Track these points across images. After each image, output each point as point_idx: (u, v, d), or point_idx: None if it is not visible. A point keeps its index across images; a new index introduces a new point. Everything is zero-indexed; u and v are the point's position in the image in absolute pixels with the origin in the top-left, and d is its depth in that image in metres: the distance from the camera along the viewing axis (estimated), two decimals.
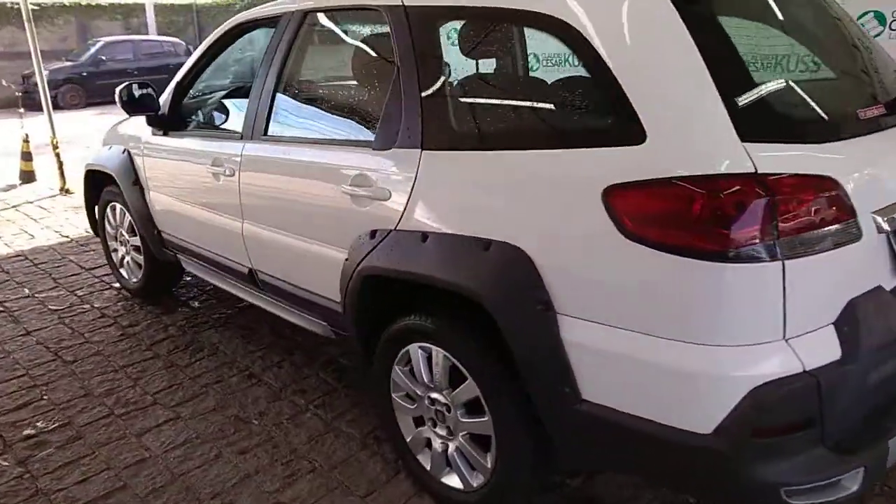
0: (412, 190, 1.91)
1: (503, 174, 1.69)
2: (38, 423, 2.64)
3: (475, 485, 1.99)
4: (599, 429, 1.61)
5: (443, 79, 1.93)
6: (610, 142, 1.50)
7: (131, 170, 3.41)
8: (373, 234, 2.03)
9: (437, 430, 2.06)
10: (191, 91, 3.14)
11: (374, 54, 2.24)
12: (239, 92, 3.19)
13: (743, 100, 1.45)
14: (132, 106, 3.01)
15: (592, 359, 1.57)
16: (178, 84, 3.08)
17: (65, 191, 6.53)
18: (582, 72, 1.60)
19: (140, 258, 3.66)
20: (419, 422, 2.14)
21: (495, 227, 1.69)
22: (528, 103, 1.81)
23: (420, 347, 2.00)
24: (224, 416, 2.66)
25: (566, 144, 1.58)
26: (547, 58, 2.93)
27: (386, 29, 2.08)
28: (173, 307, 3.73)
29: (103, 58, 15.23)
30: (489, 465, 1.90)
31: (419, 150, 1.89)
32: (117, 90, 2.99)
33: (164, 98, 3.13)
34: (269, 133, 2.50)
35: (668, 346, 1.45)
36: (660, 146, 1.43)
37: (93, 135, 10.74)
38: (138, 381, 2.95)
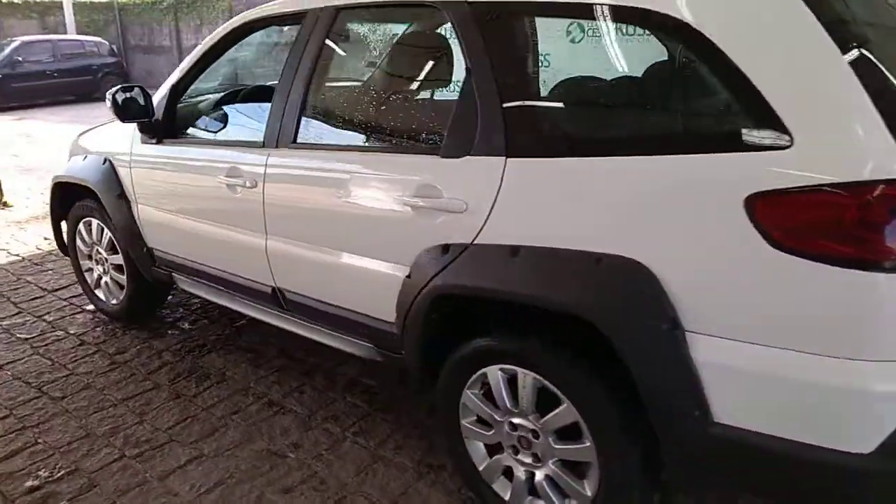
0: (496, 200, 1.75)
1: (617, 182, 1.57)
2: (40, 472, 2.33)
3: None
4: (732, 451, 1.51)
5: (529, 80, 1.79)
6: (748, 147, 1.40)
7: (115, 182, 3.09)
8: (445, 249, 1.87)
9: (521, 457, 1.92)
10: (188, 95, 2.87)
11: (431, 54, 2.07)
12: (251, 96, 2.94)
13: (891, 100, 1.38)
14: (126, 112, 2.72)
15: (727, 379, 1.47)
16: (174, 87, 2.81)
17: (2, 203, 5.98)
18: (703, 72, 1.49)
19: (122, 278, 3.34)
20: (494, 449, 1.99)
21: (608, 240, 1.57)
22: (642, 105, 1.69)
23: (501, 370, 1.86)
24: (253, 450, 2.43)
25: (694, 149, 1.47)
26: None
27: (440, 25, 1.92)
28: (161, 330, 3.42)
29: (19, 58, 14.20)
30: (588, 493, 1.78)
31: (503, 157, 1.74)
32: (109, 94, 2.69)
33: (156, 103, 2.85)
34: (300, 140, 2.29)
35: (820, 362, 1.36)
36: (809, 151, 1.34)
37: (15, 141, 10.00)
38: (144, 415, 2.66)
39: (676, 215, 1.49)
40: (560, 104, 1.79)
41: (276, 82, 2.42)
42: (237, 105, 2.92)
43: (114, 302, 3.46)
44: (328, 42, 2.26)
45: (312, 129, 2.30)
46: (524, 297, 1.71)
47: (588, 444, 1.73)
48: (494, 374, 1.88)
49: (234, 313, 3.43)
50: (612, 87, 1.92)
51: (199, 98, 3.08)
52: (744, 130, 1.42)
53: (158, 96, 2.86)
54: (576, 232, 1.63)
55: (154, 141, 2.87)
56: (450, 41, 1.90)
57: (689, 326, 1.49)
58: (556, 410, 1.76)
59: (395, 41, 2.21)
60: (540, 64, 1.79)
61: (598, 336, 1.64)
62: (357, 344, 2.35)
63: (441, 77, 1.98)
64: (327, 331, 2.44)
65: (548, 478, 1.87)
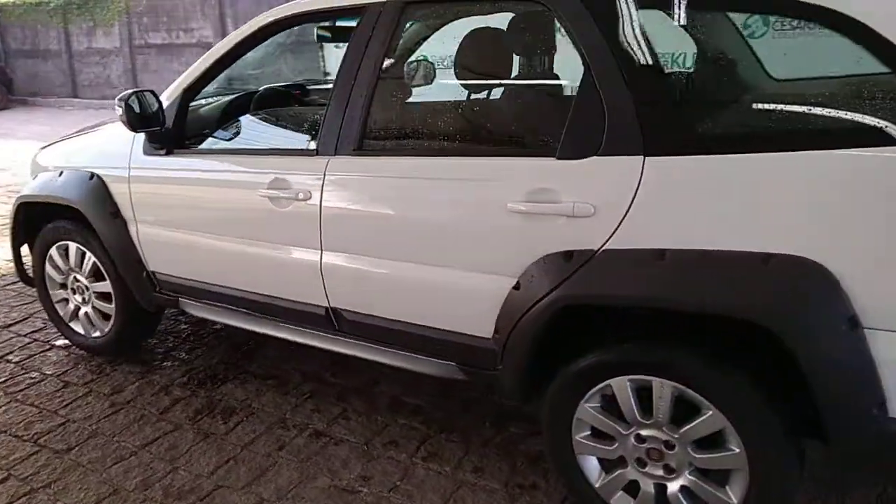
0: (633, 202, 1.66)
1: (784, 179, 1.52)
2: None
3: None
4: None
5: (665, 75, 1.70)
6: None
7: (107, 200, 2.73)
8: (567, 256, 1.75)
9: (649, 469, 1.83)
10: (202, 100, 2.58)
11: (532, 47, 1.95)
12: (271, 100, 2.68)
13: None
14: (142, 120, 2.40)
15: None
16: (186, 91, 2.51)
17: None
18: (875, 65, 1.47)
19: (108, 307, 2.96)
20: (612, 464, 1.90)
21: (773, 239, 1.52)
22: (808, 100, 1.64)
23: (630, 381, 1.77)
24: (319, 489, 2.20)
25: (869, 143, 1.44)
26: None
27: (538, 15, 1.81)
28: (157, 363, 3.07)
29: None
30: (734, 500, 1.72)
31: (641, 156, 1.65)
32: (120, 100, 2.36)
33: (164, 109, 2.54)
34: (367, 146, 2.10)
35: None
36: None
37: None
38: (176, 462, 2.36)
39: (850, 210, 1.46)
40: (717, 100, 1.71)
41: (311, 83, 2.23)
42: (266, 110, 2.65)
43: (96, 335, 3.07)
44: (396, 38, 2.08)
45: (383, 134, 2.11)
46: (674, 302, 1.63)
47: (738, 450, 1.67)
48: (622, 385, 1.78)
49: (239, 337, 3.16)
50: (775, 82, 1.87)
51: (203, 102, 2.78)
52: None
53: (166, 101, 2.54)
54: (734, 232, 1.56)
55: (163, 152, 2.55)
56: (553, 34, 1.79)
57: (867, 323, 1.46)
58: (701, 419, 1.69)
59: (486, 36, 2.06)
60: (685, 59, 1.71)
61: (751, 339, 1.59)
62: (432, 363, 2.18)
63: (544, 74, 1.86)
64: (394, 351, 2.25)
65: (683, 489, 1.80)
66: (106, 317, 3.01)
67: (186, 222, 2.57)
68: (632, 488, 1.89)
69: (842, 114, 1.57)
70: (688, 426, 1.72)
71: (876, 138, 1.44)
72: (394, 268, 2.10)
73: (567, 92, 2.00)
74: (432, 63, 2.34)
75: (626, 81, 1.68)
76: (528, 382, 1.95)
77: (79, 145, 2.96)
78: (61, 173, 2.88)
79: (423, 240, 2.03)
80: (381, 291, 2.17)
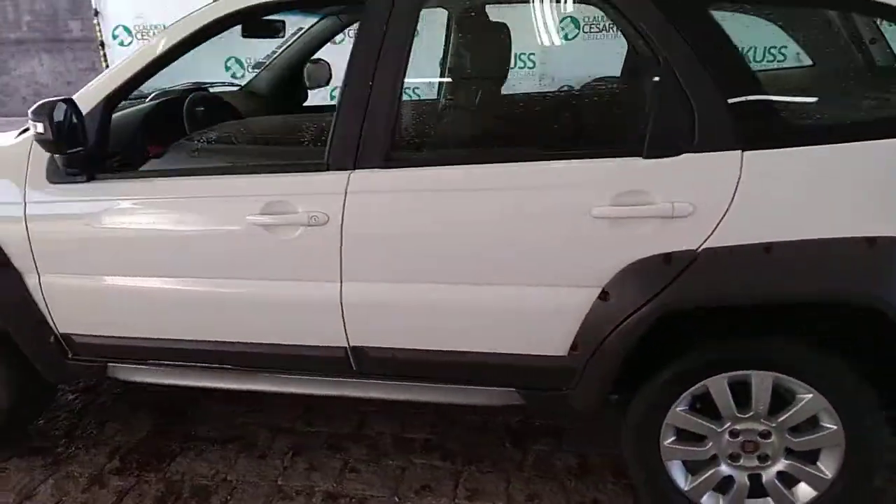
0: (733, 197, 1.62)
1: (882, 165, 1.58)
2: None
3: None
4: None
5: (751, 68, 1.67)
6: None
7: None
8: (666, 259, 1.67)
9: (743, 462, 1.83)
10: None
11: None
12: (222, 106, 2.17)
13: None
14: (65, 140, 1.80)
15: None
16: (111, 99, 1.95)
17: None
18: None
19: None
20: (701, 464, 1.87)
21: (875, 222, 1.58)
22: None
23: (728, 377, 1.74)
24: None
25: None
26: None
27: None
28: (60, 448, 2.39)
29: None
30: (829, 475, 1.78)
31: (739, 150, 1.62)
32: (38, 114, 1.73)
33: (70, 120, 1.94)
34: (398, 156, 1.81)
35: None
36: None
37: None
38: None
39: None
40: (800, 91, 1.72)
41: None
42: (230, 121, 2.14)
43: None
44: (413, 33, 1.80)
45: (419, 142, 1.82)
46: (787, 295, 1.63)
47: (836, 428, 1.73)
48: (720, 383, 1.75)
49: (159, 396, 2.59)
50: (869, 71, 1.91)
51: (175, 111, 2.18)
52: None
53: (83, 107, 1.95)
54: (837, 218, 1.60)
55: (83, 178, 1.96)
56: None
57: None
58: (800, 404, 1.72)
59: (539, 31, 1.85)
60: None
61: (848, 322, 1.66)
62: (484, 392, 1.97)
63: (621, 71, 1.73)
64: (432, 386, 1.99)
65: (780, 474, 1.82)
66: None
67: (128, 266, 2.01)
68: (721, 485, 1.88)
69: None
70: (787, 413, 1.74)
71: None
72: (442, 293, 1.84)
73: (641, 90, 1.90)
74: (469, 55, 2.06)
75: (712, 77, 1.63)
76: (606, 395, 1.84)
77: None
78: None
79: (482, 258, 1.79)
80: (423, 321, 1.89)
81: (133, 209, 1.97)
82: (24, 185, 2.00)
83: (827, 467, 1.78)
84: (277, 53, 3.10)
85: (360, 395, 2.06)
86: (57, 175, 1.97)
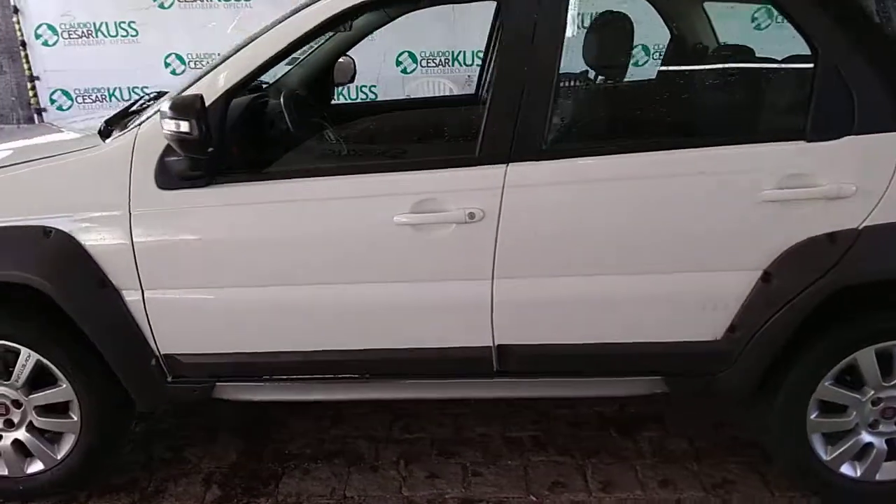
0: (893, 175, 1.70)
1: None
2: None
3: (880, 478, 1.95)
4: None
5: None
6: None
7: (84, 263, 1.82)
8: (831, 238, 1.72)
9: (882, 428, 1.92)
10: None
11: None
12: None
13: None
14: (203, 144, 1.63)
15: None
16: (230, 94, 1.79)
17: None
18: None
19: (61, 422, 2.00)
20: (841, 435, 1.94)
21: None
22: None
23: (876, 349, 1.83)
24: None
25: None
26: None
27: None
28: (146, 483, 2.17)
29: None
30: None
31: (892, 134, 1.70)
32: (176, 110, 1.56)
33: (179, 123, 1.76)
34: (557, 147, 1.76)
35: None
36: None
37: None
38: None
39: None
40: None
41: None
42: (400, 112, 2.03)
43: (35, 469, 2.05)
44: (559, 21, 1.75)
45: (579, 132, 1.79)
46: None
47: None
48: (869, 354, 1.83)
49: (228, 412, 2.42)
50: None
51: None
52: None
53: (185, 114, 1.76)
54: None
55: (201, 183, 1.78)
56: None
57: None
58: None
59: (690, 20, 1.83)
60: None
61: None
62: (630, 383, 1.97)
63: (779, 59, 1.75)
64: (577, 381, 1.96)
65: None
66: (51, 440, 2.04)
67: (256, 276, 1.85)
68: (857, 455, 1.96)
69: None
70: None
71: None
72: (599, 284, 1.82)
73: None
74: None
75: (868, 61, 1.70)
76: (761, 377, 1.88)
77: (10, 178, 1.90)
78: None
79: (642, 247, 1.79)
80: (577, 315, 1.86)
81: (263, 214, 1.82)
82: (128, 194, 1.80)
83: None
84: (311, 51, 2.95)
85: (506, 395, 2.01)
86: (170, 180, 1.78)
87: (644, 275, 1.81)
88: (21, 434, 2.03)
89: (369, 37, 4.59)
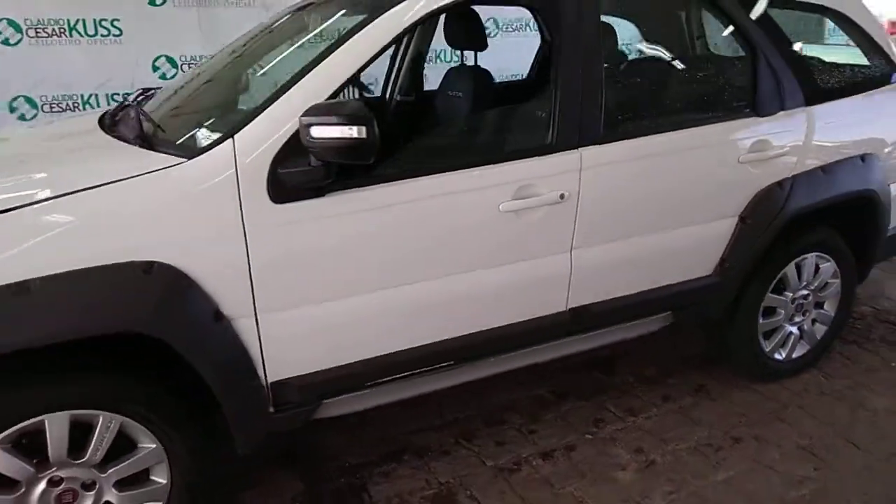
0: (806, 135, 2.42)
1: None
2: None
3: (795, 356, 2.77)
4: None
5: (797, 49, 2.45)
6: None
7: (197, 297, 1.60)
8: (780, 184, 2.38)
9: (796, 318, 2.69)
10: None
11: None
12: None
13: None
14: (374, 149, 1.57)
15: None
16: (334, 97, 1.73)
17: None
18: None
19: (148, 491, 1.73)
20: (773, 330, 2.66)
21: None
22: None
23: (795, 262, 2.57)
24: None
25: None
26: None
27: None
28: None
29: None
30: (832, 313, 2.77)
31: (804, 106, 2.41)
32: (351, 117, 1.48)
33: (265, 134, 1.67)
34: (612, 132, 2.09)
35: None
36: None
37: None
38: None
39: None
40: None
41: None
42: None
43: None
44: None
45: (623, 117, 2.13)
46: (834, 199, 2.50)
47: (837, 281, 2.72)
48: (791, 268, 2.57)
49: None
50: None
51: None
52: None
53: (287, 120, 1.67)
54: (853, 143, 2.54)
55: (313, 194, 1.70)
56: None
57: None
58: (824, 267, 2.65)
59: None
60: None
61: None
62: (651, 321, 2.43)
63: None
64: (618, 327, 2.35)
65: (799, 327, 2.72)
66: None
67: (375, 280, 1.83)
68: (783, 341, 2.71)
69: None
70: (819, 275, 2.66)
71: None
72: (651, 241, 2.23)
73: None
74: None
75: (784, 56, 2.39)
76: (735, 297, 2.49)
77: (66, 215, 1.50)
78: (82, 272, 1.48)
79: (677, 207, 2.25)
80: (636, 270, 2.25)
81: (384, 217, 1.80)
82: (240, 212, 1.63)
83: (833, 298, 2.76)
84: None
85: (569, 351, 2.28)
86: (285, 193, 1.67)
87: (672, 230, 2.27)
88: None
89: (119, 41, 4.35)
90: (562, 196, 2.00)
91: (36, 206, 1.52)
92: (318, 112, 1.58)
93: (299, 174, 1.66)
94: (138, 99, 2.33)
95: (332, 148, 1.58)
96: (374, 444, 2.34)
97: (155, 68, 5.98)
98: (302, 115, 1.59)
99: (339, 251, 1.78)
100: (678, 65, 2.63)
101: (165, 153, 1.70)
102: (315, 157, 1.63)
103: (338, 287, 1.81)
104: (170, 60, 6.00)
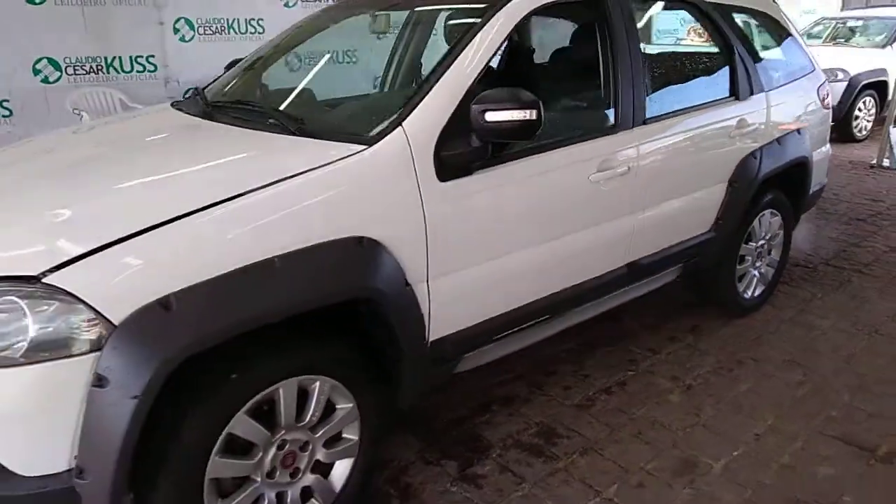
0: (768, 117, 3.06)
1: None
2: None
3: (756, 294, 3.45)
4: None
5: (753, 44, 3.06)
6: None
7: (394, 266, 1.81)
8: (758, 149, 3.00)
9: (757, 264, 3.34)
10: None
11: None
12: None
13: None
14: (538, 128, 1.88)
15: None
16: (469, 93, 1.99)
17: None
18: None
19: (345, 448, 1.91)
20: (742, 275, 3.29)
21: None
22: None
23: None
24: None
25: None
26: None
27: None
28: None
29: None
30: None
31: (765, 93, 3.05)
32: (521, 101, 1.78)
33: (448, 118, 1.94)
34: (650, 114, 2.54)
35: None
36: None
37: None
38: None
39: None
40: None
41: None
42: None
43: None
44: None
45: (658, 102, 2.58)
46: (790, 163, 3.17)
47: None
48: (767, 216, 3.23)
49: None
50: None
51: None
52: None
53: (444, 107, 1.94)
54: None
55: (463, 173, 1.97)
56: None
57: None
58: (774, 221, 3.33)
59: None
60: None
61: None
62: (668, 274, 2.93)
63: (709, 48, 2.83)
64: (651, 279, 2.82)
65: (764, 262, 3.41)
66: (325, 472, 1.90)
67: (514, 242, 2.16)
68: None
69: None
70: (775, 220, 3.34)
71: None
72: (674, 205, 2.72)
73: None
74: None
75: (747, 50, 3.01)
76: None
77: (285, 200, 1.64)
78: (280, 260, 1.61)
79: (694, 173, 2.79)
80: (663, 231, 2.72)
81: (518, 189, 2.11)
82: (419, 192, 1.87)
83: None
84: None
85: (619, 302, 2.71)
86: (447, 172, 1.92)
87: (691, 194, 2.79)
88: (308, 479, 1.82)
89: None
90: (628, 168, 2.42)
91: (260, 191, 1.66)
92: (491, 99, 1.85)
93: (461, 154, 1.93)
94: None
95: (504, 130, 1.86)
96: (463, 401, 2.61)
97: (36, 71, 5.64)
98: (473, 103, 1.86)
99: (486, 220, 2.06)
100: (689, 58, 3.17)
101: (338, 142, 1.88)
102: (479, 139, 1.91)
103: (485, 252, 2.09)
104: (52, 63, 5.71)
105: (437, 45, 2.74)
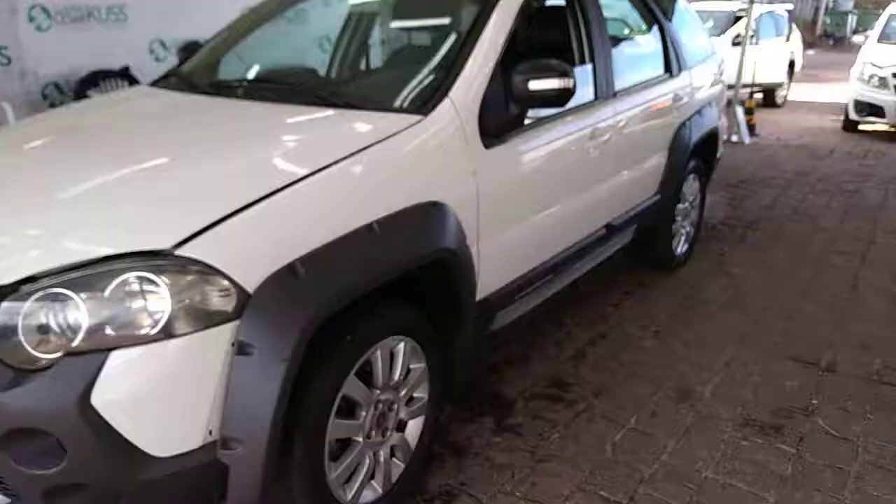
0: (692, 92, 3.49)
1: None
2: None
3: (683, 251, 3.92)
4: None
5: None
6: None
7: (458, 228, 1.92)
8: (685, 123, 3.41)
9: (684, 223, 3.79)
10: None
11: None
12: None
13: None
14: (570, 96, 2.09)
15: None
16: (498, 65, 2.13)
17: None
18: None
19: (421, 406, 1.99)
20: (675, 235, 3.72)
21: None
22: None
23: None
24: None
25: None
26: None
27: None
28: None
29: None
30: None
31: (688, 70, 3.47)
32: (551, 70, 2.00)
33: (478, 87, 2.08)
34: (617, 88, 2.83)
35: None
36: None
37: None
38: None
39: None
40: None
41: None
42: None
43: (398, 472, 1.94)
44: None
45: (620, 78, 2.86)
46: (702, 137, 3.63)
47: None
48: (690, 180, 3.66)
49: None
50: None
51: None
52: None
53: (481, 78, 2.07)
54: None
55: (500, 139, 2.11)
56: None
57: None
58: (694, 184, 3.80)
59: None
60: None
61: None
62: (626, 236, 3.25)
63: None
64: (612, 243, 3.12)
65: (688, 221, 3.88)
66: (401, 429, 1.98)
67: (547, 200, 2.39)
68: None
69: None
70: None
71: None
72: (636, 171, 3.04)
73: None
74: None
75: (676, 35, 3.42)
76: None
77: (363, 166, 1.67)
78: (377, 225, 1.67)
79: (649, 140, 3.13)
80: (629, 194, 3.04)
81: (547, 152, 2.34)
82: (471, 158, 1.99)
83: None
84: None
85: (597, 262, 2.98)
86: (489, 140, 2.06)
87: (646, 160, 3.13)
88: (394, 438, 1.88)
89: None
90: (602, 139, 2.69)
91: (349, 158, 1.70)
92: (532, 69, 2.02)
93: (501, 121, 2.08)
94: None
95: (544, 97, 2.04)
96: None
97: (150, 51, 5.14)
98: (516, 73, 2.01)
99: (523, 182, 2.25)
100: (636, 39, 3.50)
101: (391, 112, 1.95)
102: (518, 106, 2.07)
103: (523, 212, 2.27)
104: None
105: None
